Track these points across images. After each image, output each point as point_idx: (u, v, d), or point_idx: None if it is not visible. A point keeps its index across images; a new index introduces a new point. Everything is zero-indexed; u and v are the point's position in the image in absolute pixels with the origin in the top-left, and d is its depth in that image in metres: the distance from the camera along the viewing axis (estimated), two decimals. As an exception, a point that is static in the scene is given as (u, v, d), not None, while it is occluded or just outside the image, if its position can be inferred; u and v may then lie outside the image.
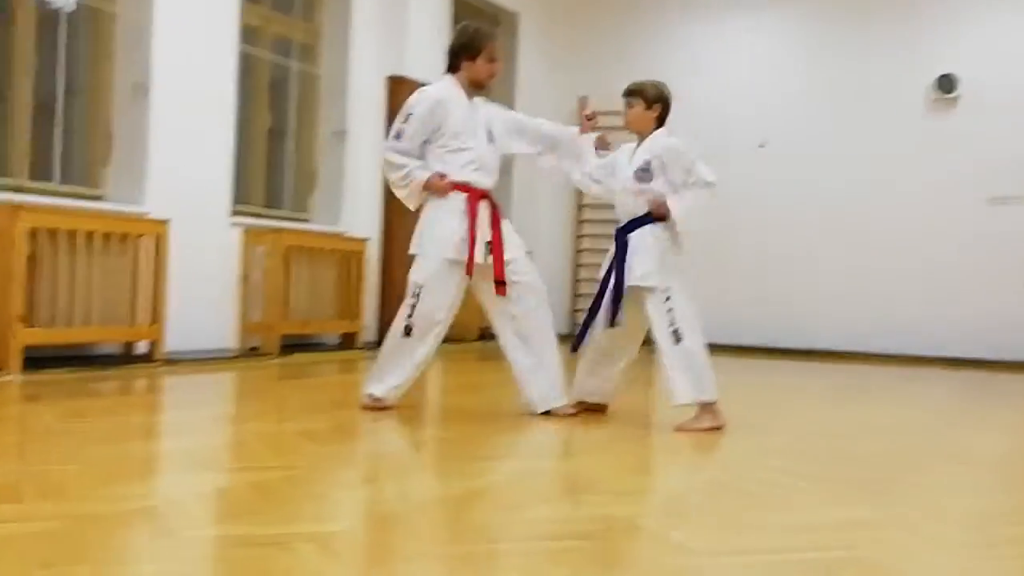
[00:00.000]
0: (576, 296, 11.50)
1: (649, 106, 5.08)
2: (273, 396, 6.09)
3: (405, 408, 5.21)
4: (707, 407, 4.90)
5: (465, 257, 5.03)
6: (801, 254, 10.71)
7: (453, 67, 5.21)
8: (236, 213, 7.73)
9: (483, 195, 5.13)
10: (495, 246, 5.10)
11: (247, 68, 7.97)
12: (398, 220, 9.02)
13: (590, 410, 5.22)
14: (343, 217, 8.77)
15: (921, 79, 10.44)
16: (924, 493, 3.68)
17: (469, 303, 10.41)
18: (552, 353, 5.18)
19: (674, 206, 4.97)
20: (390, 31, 8.98)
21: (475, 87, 5.22)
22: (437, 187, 5.07)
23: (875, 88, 10.62)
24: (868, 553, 2.79)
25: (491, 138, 5.24)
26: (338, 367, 7.60)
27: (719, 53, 11.06)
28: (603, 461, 4.26)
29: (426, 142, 5.10)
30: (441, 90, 5.17)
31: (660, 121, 5.11)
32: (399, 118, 5.14)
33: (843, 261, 10.61)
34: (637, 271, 4.96)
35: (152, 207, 6.89)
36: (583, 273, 11.50)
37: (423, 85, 9.00)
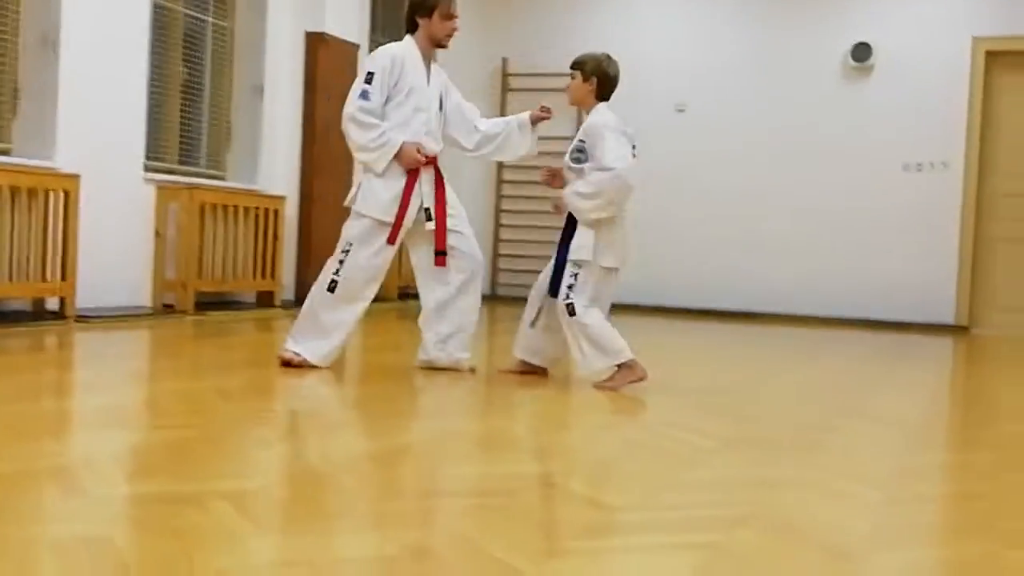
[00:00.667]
0: (497, 256, 11.52)
1: (587, 79, 5.07)
2: (188, 354, 6.03)
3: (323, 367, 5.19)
4: (624, 363, 4.95)
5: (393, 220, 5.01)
6: (722, 218, 10.85)
7: (411, 26, 5.18)
8: (149, 169, 7.60)
9: (428, 161, 5.11)
10: (438, 214, 5.11)
11: (160, 21, 7.81)
12: (316, 178, 8.95)
13: (531, 372, 5.23)
14: (260, 174, 8.65)
15: (837, 48, 10.60)
16: (836, 452, 3.77)
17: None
18: (472, 323, 5.26)
19: (568, 194, 4.99)
20: (308, -14, 8.85)
21: (434, 45, 5.21)
22: (410, 157, 5.02)
23: (793, 56, 10.75)
24: (774, 510, 2.86)
25: (441, 107, 5.23)
26: (254, 325, 7.53)
27: (640, 19, 11.08)
28: (522, 419, 4.31)
29: (390, 102, 5.06)
30: (400, 48, 5.14)
31: (601, 96, 5.09)
32: (360, 78, 5.09)
33: (763, 226, 10.77)
34: (573, 244, 4.99)
35: (62, 161, 6.74)
36: (505, 234, 11.52)
37: (343, 41, 9.01)
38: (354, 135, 5.08)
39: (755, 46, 10.84)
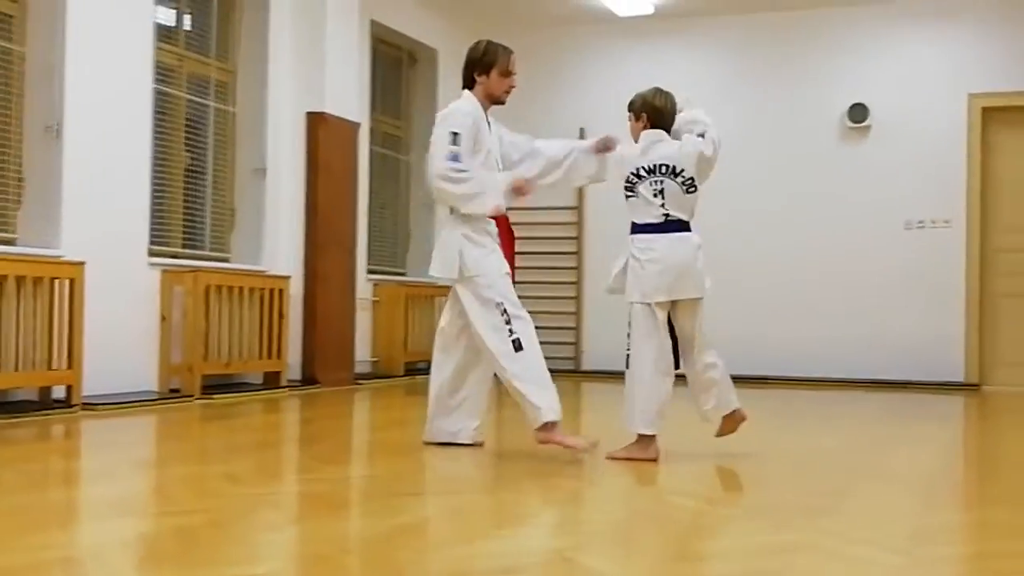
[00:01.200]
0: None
1: (638, 117, 5.12)
2: (195, 438, 5.99)
3: (330, 446, 5.15)
4: (643, 437, 4.91)
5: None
6: (724, 283, 10.76)
7: (468, 83, 5.17)
8: (154, 254, 7.62)
9: (503, 217, 5.14)
10: (511, 267, 5.18)
11: (162, 106, 7.89)
12: (320, 256, 8.98)
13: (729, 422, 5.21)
14: (264, 254, 8.68)
15: (834, 109, 10.68)
16: (851, 516, 3.72)
17: (395, 338, 10.35)
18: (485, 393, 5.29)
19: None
20: (308, 68, 8.95)
21: (491, 102, 5.18)
22: (524, 189, 4.99)
23: (790, 118, 10.84)
24: (794, 577, 2.82)
25: (499, 163, 5.21)
26: (262, 407, 7.50)
27: (637, 88, 11.15)
28: (533, 492, 4.26)
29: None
30: (470, 106, 5.10)
31: (658, 128, 5.09)
32: (443, 141, 4.97)
33: (763, 288, 10.77)
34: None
35: (67, 249, 6.76)
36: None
37: (343, 120, 9.10)
38: (451, 189, 4.97)
39: (752, 109, 10.93)
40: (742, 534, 3.40)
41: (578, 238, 11.29)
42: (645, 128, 5.09)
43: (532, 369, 4.89)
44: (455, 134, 4.96)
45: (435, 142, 5.04)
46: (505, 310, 4.90)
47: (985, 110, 10.26)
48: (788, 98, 10.86)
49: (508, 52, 5.18)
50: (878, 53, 10.62)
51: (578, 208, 11.30)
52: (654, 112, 5.09)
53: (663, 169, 4.99)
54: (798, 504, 3.97)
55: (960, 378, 10.14)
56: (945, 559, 3.13)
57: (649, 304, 4.94)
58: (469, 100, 5.12)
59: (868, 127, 10.55)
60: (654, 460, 4.86)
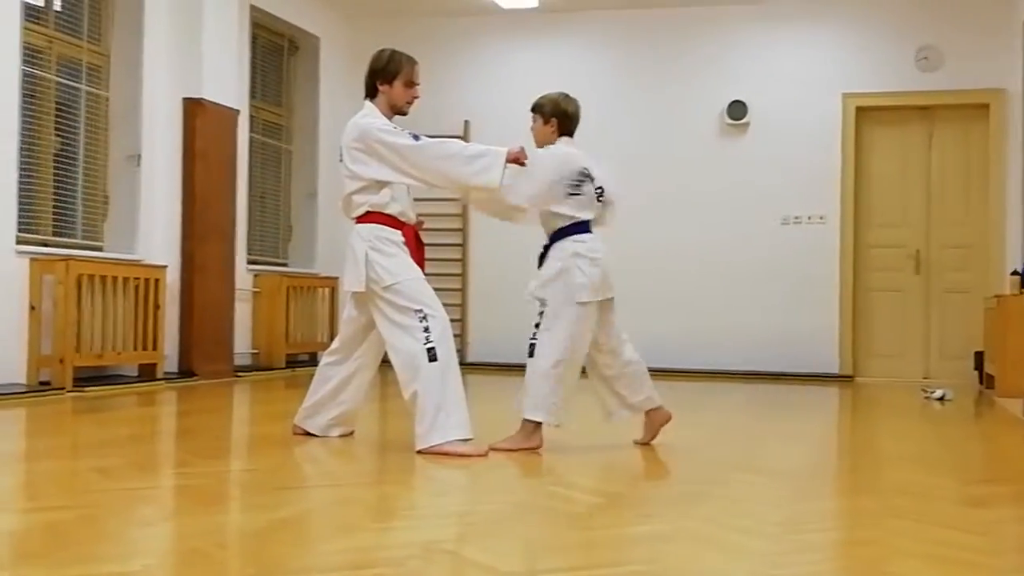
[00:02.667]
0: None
1: (547, 120, 5.13)
2: (66, 432, 5.82)
3: (207, 440, 5.06)
4: (527, 425, 4.93)
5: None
6: (603, 274, 10.95)
7: (371, 92, 5.06)
8: (22, 241, 7.38)
9: (412, 228, 5.06)
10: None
11: (31, 90, 7.63)
12: (198, 245, 8.80)
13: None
14: (139, 243, 8.47)
15: (713, 106, 10.88)
16: (723, 505, 3.80)
17: (276, 330, 10.21)
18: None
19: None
20: (185, 53, 8.75)
21: (394, 113, 5.06)
22: (520, 158, 4.85)
23: (670, 114, 11.00)
24: (662, 566, 2.86)
25: None
26: (136, 400, 7.33)
27: (522, 81, 11.23)
28: (412, 485, 4.25)
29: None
30: (377, 113, 4.99)
31: (563, 133, 5.12)
32: (385, 137, 4.85)
33: (644, 282, 10.90)
34: (533, 282, 5.03)
35: (-71, 236, 6.51)
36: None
37: (221, 107, 8.92)
38: (449, 166, 4.82)
39: (634, 104, 11.06)
40: (615, 523, 3.44)
41: (463, 230, 11.28)
42: (553, 132, 5.12)
43: (443, 386, 4.78)
44: (386, 129, 4.88)
45: (382, 144, 4.87)
46: (424, 316, 4.82)
47: (859, 109, 10.57)
48: (669, 94, 11.02)
49: (412, 62, 5.10)
50: (758, 51, 10.85)
51: (461, 199, 11.29)
52: (564, 117, 5.15)
53: (587, 174, 5.11)
54: (671, 494, 4.04)
55: (835, 370, 10.44)
56: (814, 545, 3.22)
57: (593, 303, 4.98)
58: (368, 110, 5.02)
59: (747, 124, 10.78)
60: (537, 448, 4.89)
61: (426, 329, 4.78)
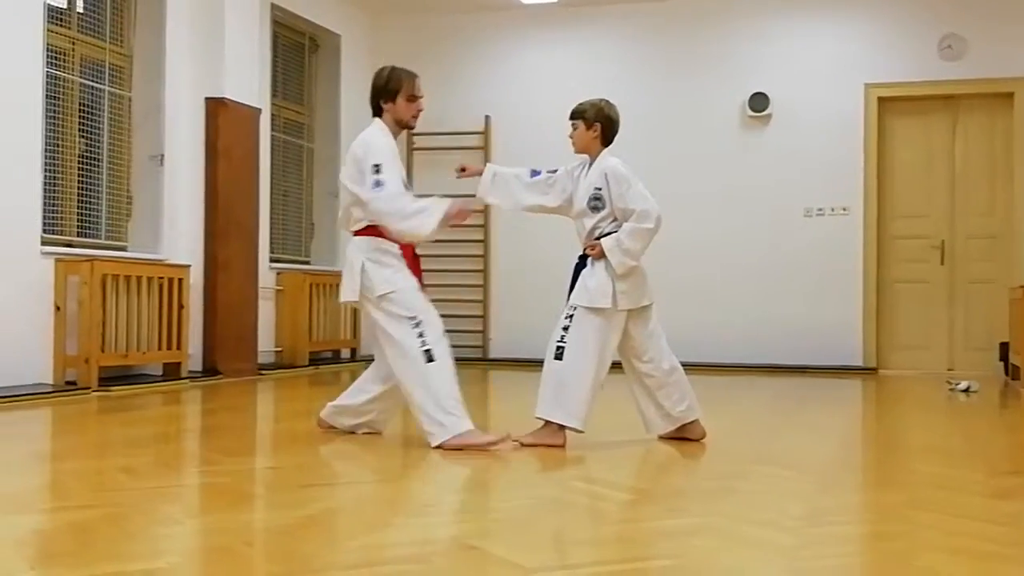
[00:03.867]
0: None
1: (590, 126, 5.09)
2: (92, 431, 5.86)
3: (232, 438, 5.08)
4: (552, 425, 4.93)
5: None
6: (625, 269, 10.93)
7: (377, 111, 5.11)
8: (47, 242, 7.43)
9: (411, 247, 5.07)
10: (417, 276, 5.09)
11: (55, 91, 7.68)
12: (221, 244, 8.84)
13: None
14: (162, 243, 8.51)
15: (735, 98, 10.84)
16: (748, 499, 3.79)
17: (299, 328, 10.25)
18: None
19: (608, 247, 4.97)
20: (206, 53, 8.79)
21: (401, 128, 5.13)
22: (461, 214, 4.98)
23: (692, 107, 10.97)
24: (688, 561, 2.86)
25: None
26: (161, 399, 7.37)
27: (542, 76, 11.22)
28: (436, 481, 4.26)
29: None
30: (383, 134, 5.03)
31: (605, 140, 5.11)
32: (366, 173, 4.89)
33: (664, 275, 10.86)
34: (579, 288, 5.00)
35: (-44, 238, 6.56)
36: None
37: (243, 106, 8.95)
38: (388, 221, 4.90)
39: (655, 97, 11.03)
40: (641, 518, 3.44)
41: (485, 226, 11.28)
42: (596, 138, 5.08)
43: (443, 384, 4.85)
44: (377, 165, 4.89)
45: (358, 177, 4.94)
46: (419, 323, 4.87)
47: (881, 100, 10.51)
48: (690, 86, 10.99)
49: (412, 76, 5.14)
50: (779, 43, 10.80)
51: (483, 196, 11.28)
52: (608, 123, 5.11)
53: None
54: (696, 488, 4.03)
55: (859, 362, 10.39)
56: (839, 539, 3.21)
57: (621, 311, 4.98)
58: (375, 129, 5.07)
59: (768, 116, 10.73)
60: (561, 446, 4.90)
61: (421, 335, 4.84)
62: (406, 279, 4.96)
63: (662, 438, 5.21)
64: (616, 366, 5.10)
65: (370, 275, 4.92)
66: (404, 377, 4.86)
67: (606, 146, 5.14)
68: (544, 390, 4.95)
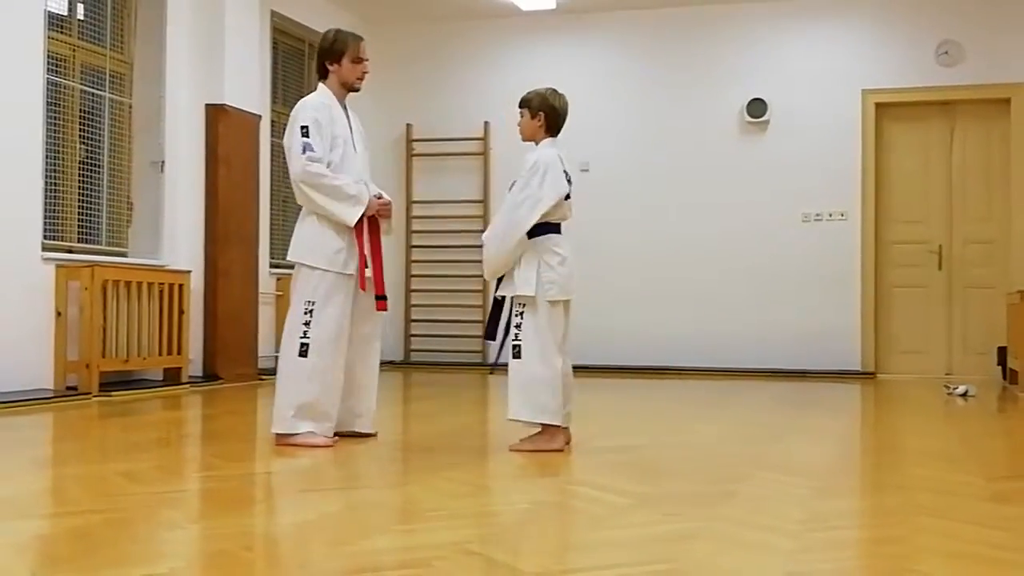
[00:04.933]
0: (409, 323, 11.47)
1: (534, 115, 5.11)
2: (93, 436, 5.87)
3: (232, 443, 5.09)
4: (548, 428, 4.94)
5: (353, 271, 5.03)
6: (625, 274, 10.97)
7: (322, 73, 5.22)
8: (48, 248, 7.45)
9: (374, 217, 5.15)
10: (375, 259, 5.11)
11: (55, 97, 7.70)
12: (222, 250, 8.86)
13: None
14: (163, 249, 8.54)
15: (733, 104, 10.87)
16: (746, 503, 3.80)
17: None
18: (376, 377, 5.35)
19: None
20: (207, 60, 8.82)
21: (347, 90, 5.24)
22: (384, 213, 5.09)
23: (690, 113, 11.01)
24: (688, 565, 2.87)
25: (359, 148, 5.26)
26: (162, 404, 7.38)
27: (540, 81, 11.20)
28: (436, 486, 4.27)
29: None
30: (321, 98, 5.16)
31: (550, 130, 5.11)
32: (294, 135, 5.02)
33: (664, 280, 10.92)
34: (508, 283, 4.98)
35: (-43, 244, 6.58)
36: (416, 299, 11.49)
37: (244, 112, 8.98)
38: (312, 195, 5.00)
39: (653, 103, 11.08)
40: (641, 522, 3.45)
41: (483, 231, 11.27)
42: (540, 126, 5.10)
43: (304, 383, 4.99)
44: (304, 127, 5.03)
45: (288, 146, 5.09)
46: (311, 310, 4.98)
47: (878, 106, 10.54)
48: (688, 93, 11.02)
49: (358, 39, 5.26)
50: (777, 49, 10.84)
51: (483, 202, 11.32)
52: (552, 112, 5.11)
53: (568, 176, 5.09)
54: (694, 492, 4.04)
55: (857, 367, 10.41)
56: (838, 543, 3.22)
57: (561, 301, 4.96)
58: (320, 92, 5.21)
59: (766, 122, 10.77)
60: (560, 450, 4.90)
61: (307, 324, 4.98)
62: (328, 256, 5.03)
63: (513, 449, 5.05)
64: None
65: (300, 237, 5.12)
66: (280, 356, 5.06)
67: (552, 135, 5.13)
68: (511, 391, 4.95)
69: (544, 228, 4.99)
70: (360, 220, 5.03)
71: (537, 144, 5.15)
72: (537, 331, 4.92)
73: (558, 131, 5.15)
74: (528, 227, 4.92)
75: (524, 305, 4.95)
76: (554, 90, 5.19)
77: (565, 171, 5.06)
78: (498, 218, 5.10)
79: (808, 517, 3.52)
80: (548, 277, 4.94)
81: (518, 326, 4.94)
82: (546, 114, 5.10)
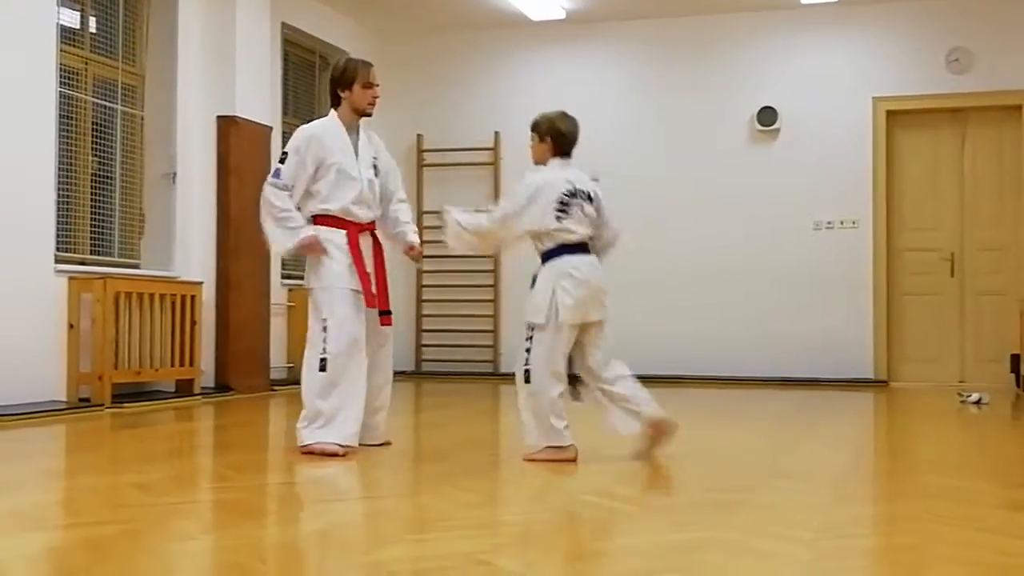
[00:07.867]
0: (420, 333, 11.48)
1: (543, 139, 5.15)
2: (106, 448, 5.88)
3: (245, 454, 5.09)
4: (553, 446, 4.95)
5: (358, 287, 5.15)
6: (637, 284, 10.94)
7: (335, 101, 5.33)
8: (60, 260, 7.47)
9: (363, 228, 5.24)
10: (378, 276, 5.26)
11: (67, 110, 7.73)
12: (233, 262, 8.88)
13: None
14: (175, 260, 8.55)
15: (743, 113, 10.86)
16: (759, 512, 3.79)
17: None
18: (389, 387, 5.45)
19: (448, 214, 5.18)
20: (218, 72, 8.85)
21: (359, 115, 5.33)
22: (311, 247, 5.18)
23: (701, 122, 10.99)
24: (702, 574, 2.86)
25: (377, 171, 5.35)
26: (174, 415, 7.40)
27: (551, 91, 11.25)
28: (446, 496, 4.26)
29: (313, 177, 5.17)
30: (319, 126, 5.30)
31: (557, 152, 5.13)
32: (280, 157, 5.25)
33: (675, 288, 10.90)
34: (527, 306, 5.01)
35: (-30, 257, 6.61)
36: (427, 309, 11.49)
37: (255, 124, 9.00)
38: (262, 213, 5.24)
39: (663, 112, 11.07)
40: (652, 531, 3.45)
41: (493, 241, 11.29)
42: (548, 151, 5.12)
43: (326, 397, 5.08)
44: (284, 153, 5.23)
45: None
46: (326, 327, 5.08)
47: (889, 113, 10.52)
48: (699, 101, 11.02)
49: (368, 65, 5.37)
50: (787, 57, 10.83)
51: (493, 211, 11.30)
52: (559, 136, 5.13)
53: (583, 194, 5.07)
54: (707, 501, 4.03)
55: (869, 375, 10.38)
56: (852, 552, 3.21)
57: (572, 325, 4.95)
58: (326, 120, 5.34)
59: (777, 130, 10.75)
60: (573, 460, 4.90)
61: (324, 340, 5.09)
62: (335, 277, 5.15)
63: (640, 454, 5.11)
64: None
65: (308, 267, 5.28)
66: (302, 373, 5.18)
67: (562, 157, 5.15)
68: (525, 416, 4.96)
69: (560, 250, 5.00)
70: (356, 243, 5.17)
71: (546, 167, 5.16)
72: (547, 355, 4.92)
73: (568, 154, 5.15)
74: (502, 236, 5.12)
75: (534, 329, 4.95)
76: (564, 113, 5.20)
77: (572, 191, 5.03)
78: (487, 217, 5.13)
79: (821, 525, 3.51)
80: (564, 302, 4.94)
81: (528, 351, 4.96)
82: (553, 138, 5.13)
